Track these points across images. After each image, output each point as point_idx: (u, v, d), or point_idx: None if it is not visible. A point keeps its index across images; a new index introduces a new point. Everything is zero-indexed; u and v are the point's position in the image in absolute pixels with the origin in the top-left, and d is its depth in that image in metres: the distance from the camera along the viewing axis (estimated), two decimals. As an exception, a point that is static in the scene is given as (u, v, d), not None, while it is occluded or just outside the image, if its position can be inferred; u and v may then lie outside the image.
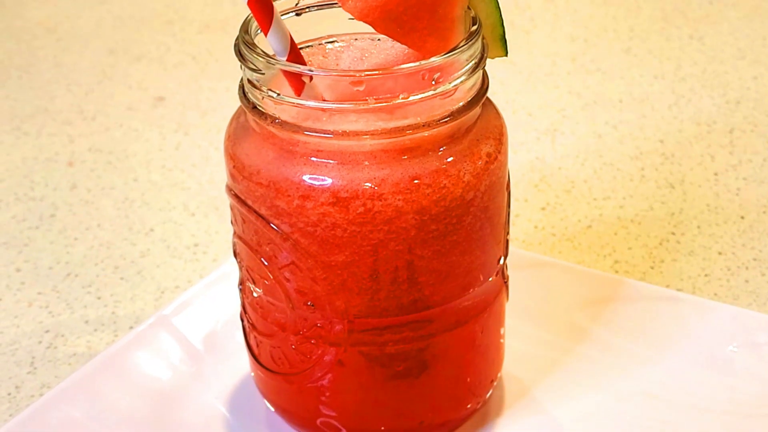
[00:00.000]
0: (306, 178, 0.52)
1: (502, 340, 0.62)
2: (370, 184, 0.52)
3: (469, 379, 0.59)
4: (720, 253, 0.76)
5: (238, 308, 0.61)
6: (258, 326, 0.58)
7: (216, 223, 0.81)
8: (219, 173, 0.85)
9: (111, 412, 0.62)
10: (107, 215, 0.82)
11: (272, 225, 0.54)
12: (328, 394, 0.58)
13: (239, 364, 0.64)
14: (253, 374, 0.62)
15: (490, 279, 0.58)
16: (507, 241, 0.60)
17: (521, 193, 0.83)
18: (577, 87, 0.97)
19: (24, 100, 0.98)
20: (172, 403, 0.63)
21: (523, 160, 0.87)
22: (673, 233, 0.78)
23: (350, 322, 0.55)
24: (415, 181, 0.52)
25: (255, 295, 0.57)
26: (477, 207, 0.55)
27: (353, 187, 0.52)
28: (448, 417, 0.60)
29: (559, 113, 0.93)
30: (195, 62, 1.03)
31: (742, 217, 0.79)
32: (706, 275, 0.74)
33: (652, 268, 0.75)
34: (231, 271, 0.68)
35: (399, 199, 0.52)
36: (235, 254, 0.59)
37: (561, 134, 0.90)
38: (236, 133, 0.56)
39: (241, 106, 0.56)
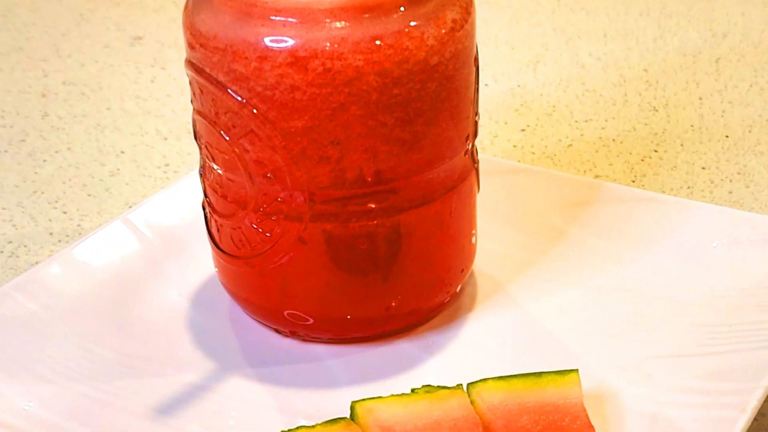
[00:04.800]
0: (263, 38, 0.50)
1: (473, 231, 0.60)
2: (329, 44, 0.50)
3: (437, 265, 0.57)
4: (703, 168, 0.74)
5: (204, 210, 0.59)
6: (218, 208, 0.56)
7: (188, 145, 0.79)
8: (194, 102, 0.84)
9: (69, 306, 0.60)
10: (78, 139, 0.80)
11: (230, 91, 0.52)
12: (290, 278, 0.56)
13: (203, 264, 0.63)
14: (216, 269, 0.60)
15: (458, 157, 0.56)
16: (476, 122, 0.58)
17: (501, 116, 0.81)
18: (561, 23, 0.95)
19: (-1, 41, 0.96)
20: (133, 299, 0.61)
21: (503, 87, 0.85)
22: (656, 150, 0.76)
23: (311, 194, 0.53)
24: (377, 42, 0.50)
25: (216, 169, 0.55)
26: (442, 74, 0.53)
27: (312, 46, 0.50)
28: (416, 305, 0.57)
29: (542, 47, 0.91)
30: (175, 6, 1.02)
31: (727, 136, 0.77)
32: (688, 187, 0.72)
33: (633, 181, 0.73)
34: (198, 180, 0.66)
35: (359, 59, 0.50)
36: (195, 135, 0.57)
37: (543, 65, 0.88)
38: (194, 5, 0.54)
39: (199, -20, 0.54)
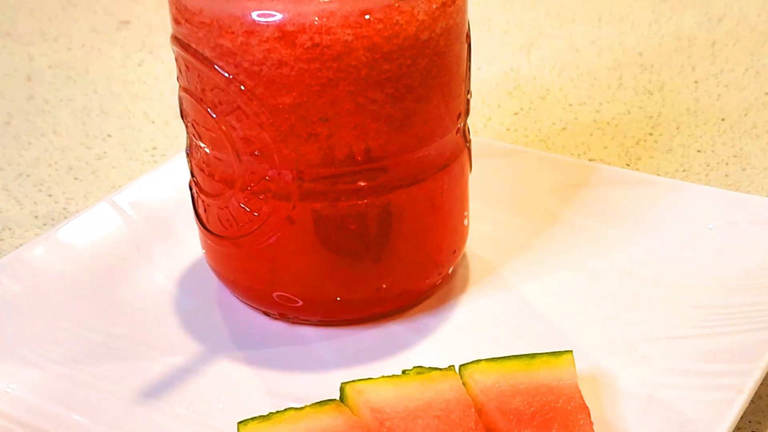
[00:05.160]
0: (250, 13, 0.49)
1: (466, 212, 0.59)
2: (317, 18, 0.49)
3: (429, 246, 0.56)
4: (699, 151, 0.73)
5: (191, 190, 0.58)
6: (205, 188, 0.55)
7: (176, 129, 0.78)
8: (182, 86, 0.82)
9: (54, 288, 0.59)
10: (64, 123, 0.79)
11: (217, 67, 0.51)
12: (279, 259, 0.54)
13: (190, 246, 0.61)
14: (203, 250, 0.59)
15: (450, 136, 0.55)
16: (468, 101, 0.57)
17: (494, 100, 0.80)
18: (555, 7, 0.94)
19: (-15, 25, 0.95)
20: (119, 281, 0.60)
21: (496, 71, 0.84)
22: (651, 134, 0.75)
23: (300, 172, 0.52)
24: (366, 16, 0.49)
25: (203, 147, 0.54)
26: (432, 50, 0.51)
27: (300, 21, 0.49)
28: (407, 286, 0.56)
29: (536, 30, 0.90)
30: (163, -10, 1.01)
31: (723, 119, 0.76)
32: (684, 171, 0.71)
33: (628, 165, 0.72)
34: (185, 162, 0.65)
35: (348, 34, 0.49)
36: (182, 113, 0.56)
37: (537, 48, 0.87)
38: (180, -20, 0.53)
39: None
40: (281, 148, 0.51)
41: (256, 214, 0.53)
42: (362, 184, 0.52)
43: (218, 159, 0.53)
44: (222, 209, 0.55)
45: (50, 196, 0.70)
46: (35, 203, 0.70)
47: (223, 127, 0.52)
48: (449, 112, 0.54)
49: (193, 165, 0.56)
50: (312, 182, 0.52)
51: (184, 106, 0.55)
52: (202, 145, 0.54)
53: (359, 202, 0.53)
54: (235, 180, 0.53)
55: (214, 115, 0.52)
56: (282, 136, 0.51)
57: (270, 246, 0.54)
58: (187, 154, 0.57)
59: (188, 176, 0.58)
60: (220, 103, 0.51)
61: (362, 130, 0.51)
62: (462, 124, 0.56)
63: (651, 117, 0.77)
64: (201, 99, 0.52)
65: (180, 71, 0.54)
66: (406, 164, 0.53)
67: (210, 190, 0.55)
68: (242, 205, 0.53)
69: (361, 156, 0.52)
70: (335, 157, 0.51)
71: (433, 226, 0.56)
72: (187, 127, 0.55)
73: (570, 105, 0.79)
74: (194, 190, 0.57)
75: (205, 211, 0.56)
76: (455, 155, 0.56)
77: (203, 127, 0.53)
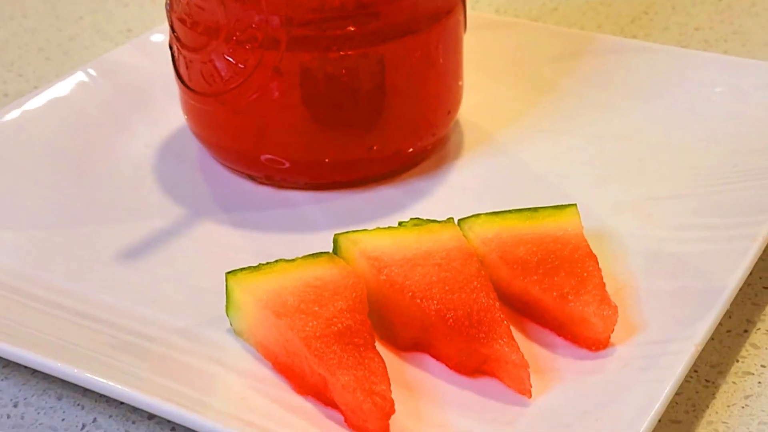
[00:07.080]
0: None
1: (460, 73, 0.56)
2: None
3: (423, 104, 0.53)
4: (697, 29, 0.70)
5: (169, 66, 0.55)
6: (187, 42, 0.52)
7: (152, 11, 0.74)
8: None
9: (27, 158, 0.56)
10: (32, 7, 0.75)
11: None
12: (265, 116, 0.51)
13: (171, 116, 0.58)
14: (185, 116, 0.55)
15: (444, -15, 0.52)
16: (464, -50, 0.54)
17: (482, -18, 0.77)
18: None
19: None
20: (96, 150, 0.57)
21: (484, -44, 0.81)
22: (646, 12, 0.72)
23: (288, 18, 0.48)
24: None
25: (182, -4, 0.51)
26: None
27: None
28: (400, 147, 0.53)
29: None
30: None
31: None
32: (682, 47, 0.68)
33: (624, 42, 0.69)
34: (164, 34, 0.62)
35: None
36: (161, -38, 0.52)
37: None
38: None
39: None
40: (268, -9, 0.48)
41: (241, 66, 0.50)
42: (352, 28, 0.49)
43: (201, 8, 0.50)
44: (205, 63, 0.51)
45: (21, 75, 0.67)
46: (5, 82, 0.66)
47: (207, -31, 0.49)
48: (445, -41, 0.51)
49: (174, 18, 0.53)
50: (301, 27, 0.49)
51: (164, -48, 0.52)
52: (182, -8, 0.51)
53: (350, 53, 0.50)
54: (220, 29, 0.50)
55: (196, -45, 0.49)
56: (269, -23, 0.48)
57: (256, 102, 0.51)
58: (167, 8, 0.53)
59: (167, 51, 0.55)
60: (203, -59, 0.48)
61: (354, -27, 0.48)
62: (457, -26, 0.53)
63: (644, -2, 0.74)
64: (181, -59, 0.49)
65: None
66: (398, 11, 0.50)
67: (192, 43, 0.52)
68: (227, 57, 0.50)
69: (352, 2, 0.49)
70: (325, 3, 0.48)
71: (426, 83, 0.53)
72: (166, -25, 0.52)
73: (561, -14, 0.76)
74: (175, 48, 0.54)
75: (187, 68, 0.53)
76: (450, 6, 0.53)
77: (185, -29, 0.50)
